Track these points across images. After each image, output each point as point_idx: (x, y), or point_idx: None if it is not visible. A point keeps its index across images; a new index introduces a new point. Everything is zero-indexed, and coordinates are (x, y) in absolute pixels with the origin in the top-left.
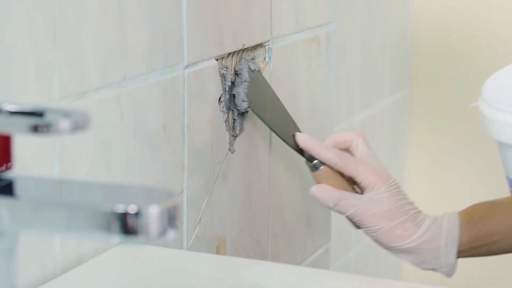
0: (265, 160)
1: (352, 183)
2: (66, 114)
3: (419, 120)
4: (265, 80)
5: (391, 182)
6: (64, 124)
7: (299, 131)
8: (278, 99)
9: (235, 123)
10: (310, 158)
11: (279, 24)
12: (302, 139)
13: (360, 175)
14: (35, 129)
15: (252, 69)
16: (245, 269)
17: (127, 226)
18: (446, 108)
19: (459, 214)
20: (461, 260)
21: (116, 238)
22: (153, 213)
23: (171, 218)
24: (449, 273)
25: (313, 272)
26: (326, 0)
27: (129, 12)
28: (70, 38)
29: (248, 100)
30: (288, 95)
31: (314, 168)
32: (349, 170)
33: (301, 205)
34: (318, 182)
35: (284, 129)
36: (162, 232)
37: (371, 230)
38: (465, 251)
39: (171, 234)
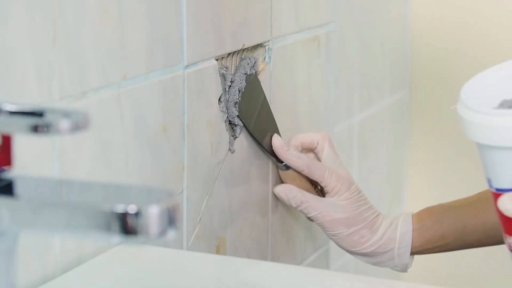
0: (265, 160)
1: (316, 185)
2: (66, 114)
3: (419, 120)
4: (258, 83)
5: (353, 189)
6: (64, 124)
7: (278, 133)
8: (266, 102)
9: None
10: (279, 160)
11: (279, 24)
12: (276, 143)
13: (325, 181)
14: (35, 129)
15: (249, 73)
16: (245, 269)
17: (127, 226)
18: (446, 108)
19: (413, 217)
20: (460, 260)
21: (116, 238)
22: (153, 213)
23: (171, 218)
24: (404, 271)
25: (313, 272)
26: (326, 0)
27: (129, 12)
28: (70, 38)
29: (239, 109)
30: (288, 95)
31: (284, 168)
32: (315, 177)
33: None
34: (284, 182)
35: (263, 133)
36: (162, 232)
37: (330, 234)
38: (418, 252)
39: (171, 234)
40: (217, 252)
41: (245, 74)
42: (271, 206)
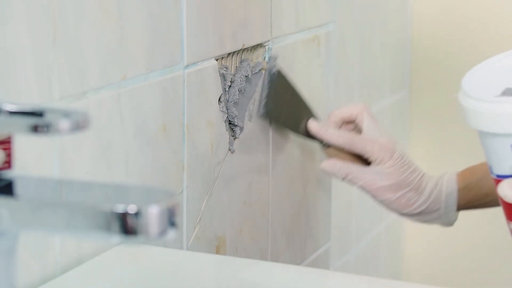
0: (265, 160)
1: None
2: (66, 114)
3: (419, 120)
4: (283, 77)
5: (396, 156)
6: (64, 124)
7: (314, 116)
8: (295, 92)
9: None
10: (320, 140)
11: (279, 24)
12: (313, 128)
13: (367, 153)
14: (35, 129)
15: (272, 73)
16: (245, 269)
17: (127, 226)
18: (446, 108)
19: (457, 177)
20: (460, 260)
21: (116, 238)
22: (153, 213)
23: (171, 218)
24: (450, 226)
25: (313, 272)
26: (326, 0)
27: (129, 12)
28: (70, 38)
29: (265, 109)
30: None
31: (326, 146)
32: (358, 150)
33: (301, 205)
34: (329, 157)
35: (299, 121)
36: (162, 232)
37: (378, 200)
38: (464, 209)
39: (171, 234)
40: (217, 252)
41: (246, 76)
42: (271, 206)
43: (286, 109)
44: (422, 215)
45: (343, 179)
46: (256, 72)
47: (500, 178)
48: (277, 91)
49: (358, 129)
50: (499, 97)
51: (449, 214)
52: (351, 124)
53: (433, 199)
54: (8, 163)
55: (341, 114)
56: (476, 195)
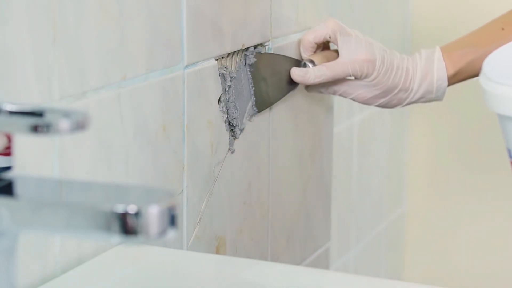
0: (265, 160)
1: None
2: (66, 114)
3: (419, 120)
4: (261, 59)
5: (378, 65)
6: (64, 124)
7: (294, 65)
8: (273, 60)
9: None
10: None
11: (279, 24)
12: (296, 78)
13: (351, 75)
14: (35, 129)
15: (250, 63)
16: (245, 269)
17: (127, 226)
18: (446, 108)
19: (446, 62)
20: (460, 260)
21: (116, 238)
22: (153, 213)
23: (171, 218)
24: (439, 101)
25: (313, 272)
26: (326, 0)
27: (129, 12)
28: (70, 38)
29: (259, 105)
30: (288, 95)
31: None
32: (342, 77)
33: (301, 205)
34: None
35: (283, 83)
36: (162, 232)
37: (373, 105)
38: (453, 84)
39: (171, 234)
40: (217, 252)
41: (246, 76)
42: (271, 206)
43: (272, 85)
44: (415, 102)
45: (333, 94)
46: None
47: None
48: (260, 78)
49: (336, 47)
50: None
51: (440, 94)
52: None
53: (424, 92)
54: (9, 149)
55: (314, 40)
56: (468, 76)
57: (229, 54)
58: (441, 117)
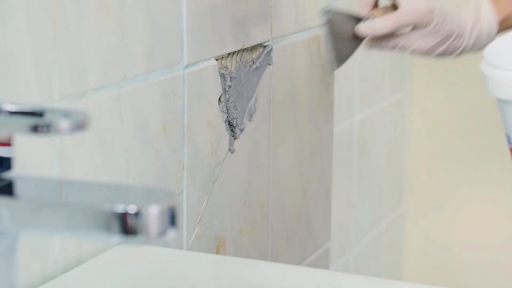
0: (265, 160)
1: None
2: (66, 114)
3: (419, 120)
4: (337, 16)
5: (436, 14)
6: (64, 124)
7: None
8: (347, 18)
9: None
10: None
11: (279, 24)
12: (362, 32)
13: (414, 22)
14: (35, 129)
15: (326, 19)
16: (245, 269)
17: (127, 226)
18: (446, 108)
19: (495, 9)
20: (460, 260)
21: (116, 238)
22: (153, 213)
23: (171, 218)
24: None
25: (313, 272)
26: (326, 0)
27: (129, 12)
28: (70, 38)
29: (336, 63)
30: (288, 95)
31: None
32: (404, 24)
33: (301, 205)
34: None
35: (352, 42)
36: (162, 232)
37: (433, 56)
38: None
39: (171, 234)
40: (217, 252)
41: (246, 76)
42: (271, 206)
43: (344, 41)
44: (467, 52)
45: (393, 50)
46: (256, 72)
47: None
48: (335, 34)
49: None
50: None
51: (489, 41)
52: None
53: (475, 37)
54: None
55: None
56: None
57: (229, 54)
58: (441, 117)
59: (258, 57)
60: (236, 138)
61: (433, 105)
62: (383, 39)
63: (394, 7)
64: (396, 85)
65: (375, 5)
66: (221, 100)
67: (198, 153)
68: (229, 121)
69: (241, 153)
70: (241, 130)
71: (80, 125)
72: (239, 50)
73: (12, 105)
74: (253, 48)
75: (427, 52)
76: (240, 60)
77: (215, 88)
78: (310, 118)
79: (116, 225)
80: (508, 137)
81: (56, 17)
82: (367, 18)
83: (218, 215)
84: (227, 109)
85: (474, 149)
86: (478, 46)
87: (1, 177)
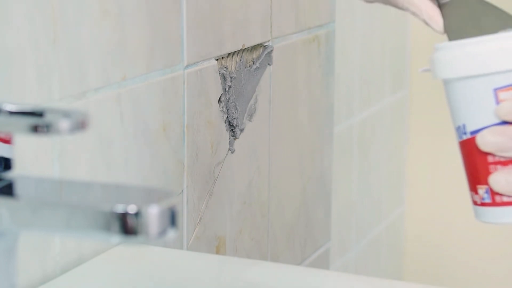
0: (265, 160)
1: None
2: (66, 114)
3: (419, 120)
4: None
5: None
6: (64, 124)
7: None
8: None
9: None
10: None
11: (279, 24)
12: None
13: None
14: (35, 129)
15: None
16: (245, 269)
17: (127, 226)
18: (446, 108)
19: None
20: (460, 260)
21: (116, 238)
22: (153, 213)
23: (171, 218)
24: None
25: (313, 272)
26: (326, 0)
27: (129, 12)
28: (70, 38)
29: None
30: (288, 95)
31: None
32: None
33: (301, 205)
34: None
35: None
36: (162, 232)
37: None
38: None
39: (171, 234)
40: (217, 252)
41: (246, 76)
42: (271, 206)
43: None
44: None
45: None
46: (256, 72)
47: (475, 134)
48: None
49: None
50: (463, 40)
51: None
52: None
53: None
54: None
55: None
56: None
57: (229, 54)
58: (441, 117)
59: (258, 57)
60: (236, 138)
61: (433, 105)
62: None
63: None
64: (396, 85)
65: None
66: (221, 100)
67: (198, 153)
68: (229, 121)
69: (241, 153)
70: (241, 130)
71: (80, 125)
72: (239, 50)
73: (12, 105)
74: (253, 48)
75: None
76: (240, 60)
77: (215, 88)
78: (310, 118)
79: (116, 225)
80: (463, 127)
81: (56, 17)
82: None
83: (218, 215)
84: (227, 109)
85: None
86: None
87: (1, 177)
